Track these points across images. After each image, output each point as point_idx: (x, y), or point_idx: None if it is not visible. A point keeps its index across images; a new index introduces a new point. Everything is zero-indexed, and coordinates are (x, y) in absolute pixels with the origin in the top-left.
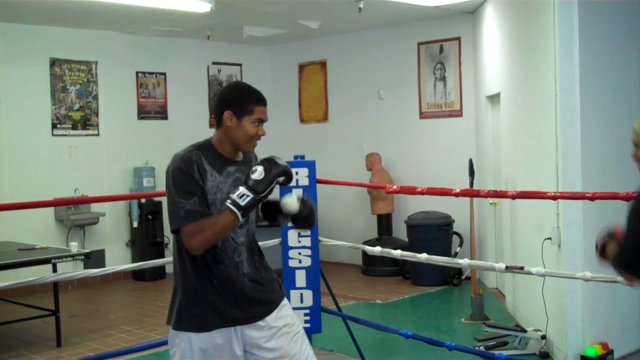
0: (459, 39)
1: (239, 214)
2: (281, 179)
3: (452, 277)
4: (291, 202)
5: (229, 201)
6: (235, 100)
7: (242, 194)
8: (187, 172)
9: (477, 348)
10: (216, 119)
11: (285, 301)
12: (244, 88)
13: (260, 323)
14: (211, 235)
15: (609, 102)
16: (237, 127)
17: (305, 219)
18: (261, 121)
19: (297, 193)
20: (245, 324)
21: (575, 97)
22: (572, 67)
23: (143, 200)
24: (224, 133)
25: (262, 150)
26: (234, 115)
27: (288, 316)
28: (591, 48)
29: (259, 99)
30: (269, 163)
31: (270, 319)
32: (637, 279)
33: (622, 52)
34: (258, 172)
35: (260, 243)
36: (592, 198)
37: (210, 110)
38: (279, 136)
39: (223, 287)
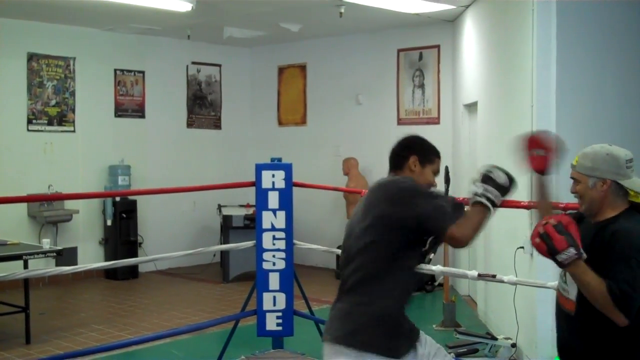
0: (438, 46)
1: (492, 209)
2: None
3: (425, 284)
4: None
5: (483, 191)
6: (423, 150)
7: (494, 194)
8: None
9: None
10: (399, 162)
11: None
12: (428, 142)
13: (418, 345)
14: (478, 230)
15: (585, 114)
16: (419, 173)
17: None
18: (437, 173)
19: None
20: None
21: (551, 108)
22: (549, 78)
23: (117, 199)
24: (408, 176)
25: (243, 150)
26: (419, 162)
27: (435, 343)
28: (568, 60)
29: (439, 154)
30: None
31: (425, 340)
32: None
33: (599, 65)
34: (503, 178)
35: (234, 245)
36: (564, 209)
37: (188, 109)
38: (256, 138)
39: (406, 308)
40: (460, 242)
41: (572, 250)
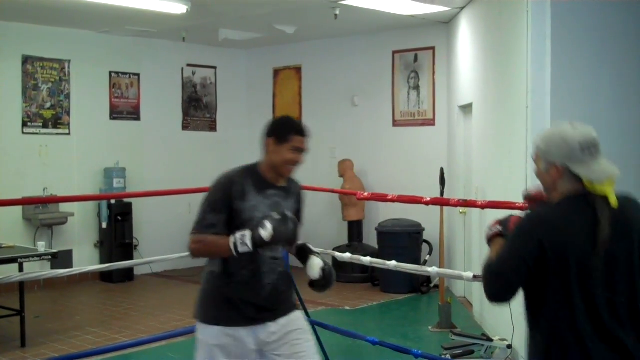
0: (433, 48)
1: (234, 253)
2: (282, 245)
3: (420, 285)
4: (315, 269)
5: (237, 237)
6: (276, 130)
7: (243, 242)
8: (224, 189)
9: (443, 356)
10: (263, 146)
11: (298, 312)
12: (286, 120)
13: (271, 324)
14: (206, 254)
15: (579, 115)
16: (273, 152)
17: (322, 286)
18: (298, 149)
19: (320, 262)
20: (259, 324)
21: (546, 110)
22: (544, 79)
23: (113, 201)
24: (267, 158)
25: (239, 152)
26: (274, 142)
27: (299, 324)
28: (563, 61)
29: (298, 130)
30: (280, 227)
31: (282, 322)
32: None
33: (594, 66)
34: (267, 232)
35: None
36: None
37: (183, 112)
38: (252, 140)
39: (244, 289)
40: (189, 252)
41: (497, 227)
